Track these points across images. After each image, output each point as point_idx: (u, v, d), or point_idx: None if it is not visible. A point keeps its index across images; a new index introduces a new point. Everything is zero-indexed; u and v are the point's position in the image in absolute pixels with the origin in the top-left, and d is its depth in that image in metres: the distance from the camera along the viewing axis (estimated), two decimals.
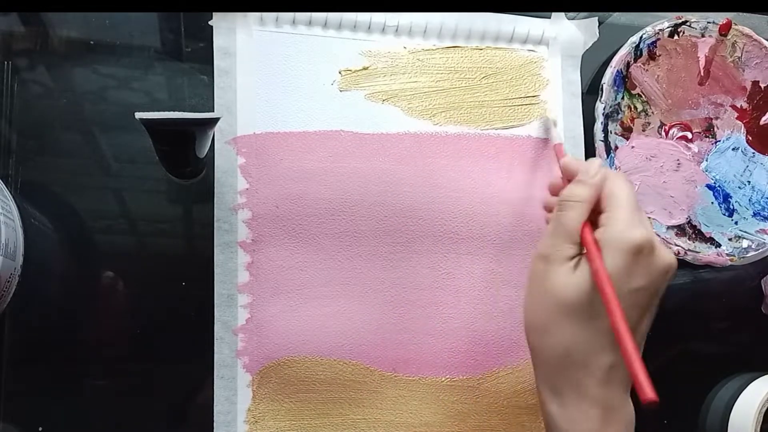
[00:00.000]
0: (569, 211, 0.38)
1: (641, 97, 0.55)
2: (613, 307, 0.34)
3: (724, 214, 0.56)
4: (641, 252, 0.36)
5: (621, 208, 0.37)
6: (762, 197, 0.56)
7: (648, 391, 0.31)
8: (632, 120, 0.55)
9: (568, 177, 0.42)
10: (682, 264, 0.53)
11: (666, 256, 0.37)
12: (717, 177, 0.56)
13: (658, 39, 0.54)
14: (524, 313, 0.38)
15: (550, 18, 0.54)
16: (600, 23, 0.54)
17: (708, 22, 0.55)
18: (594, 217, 0.38)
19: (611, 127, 0.54)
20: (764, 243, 0.54)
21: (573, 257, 0.37)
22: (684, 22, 0.55)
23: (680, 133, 0.56)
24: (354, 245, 0.48)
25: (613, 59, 0.53)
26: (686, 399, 0.54)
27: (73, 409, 0.44)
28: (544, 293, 0.36)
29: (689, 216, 0.55)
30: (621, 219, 0.36)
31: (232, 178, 0.47)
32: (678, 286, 0.56)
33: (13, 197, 0.43)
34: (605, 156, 0.52)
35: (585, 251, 0.37)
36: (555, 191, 0.44)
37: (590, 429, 0.35)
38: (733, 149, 0.57)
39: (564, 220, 0.38)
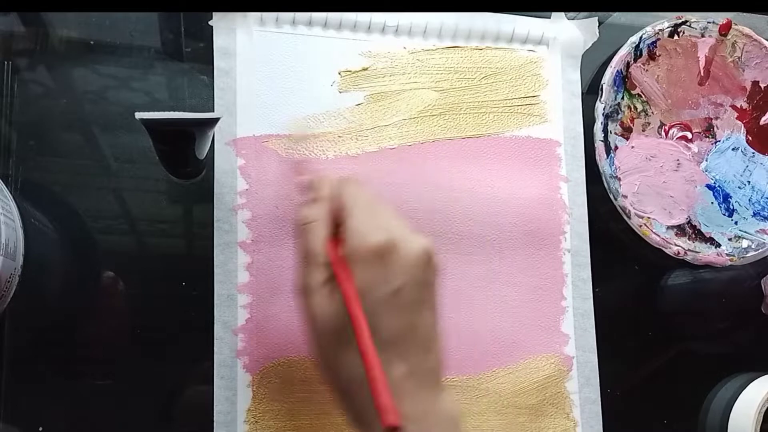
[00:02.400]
0: (310, 234, 0.36)
1: (641, 97, 0.55)
2: (355, 329, 0.32)
3: (724, 214, 0.56)
4: (385, 253, 0.34)
5: (354, 215, 0.35)
6: (762, 197, 0.56)
7: (389, 417, 0.30)
8: (632, 120, 0.55)
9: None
10: (682, 264, 0.53)
11: (413, 246, 0.34)
12: (717, 177, 0.56)
13: (658, 39, 0.54)
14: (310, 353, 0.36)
15: (550, 18, 0.54)
16: (600, 23, 0.54)
17: (708, 22, 0.55)
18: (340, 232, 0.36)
19: (611, 127, 0.54)
20: (764, 243, 0.54)
21: (325, 282, 0.35)
22: (684, 22, 0.55)
23: (680, 133, 0.56)
24: None
25: (613, 59, 0.53)
26: (686, 399, 0.54)
27: (73, 409, 0.44)
28: (311, 326, 0.35)
29: (689, 216, 0.55)
30: (356, 226, 0.35)
31: (232, 179, 0.47)
32: (678, 286, 0.56)
33: (13, 197, 0.43)
34: (605, 156, 0.52)
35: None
36: None
37: None
38: (733, 149, 0.57)
39: (307, 244, 0.36)
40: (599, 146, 0.52)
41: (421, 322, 0.34)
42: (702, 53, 0.56)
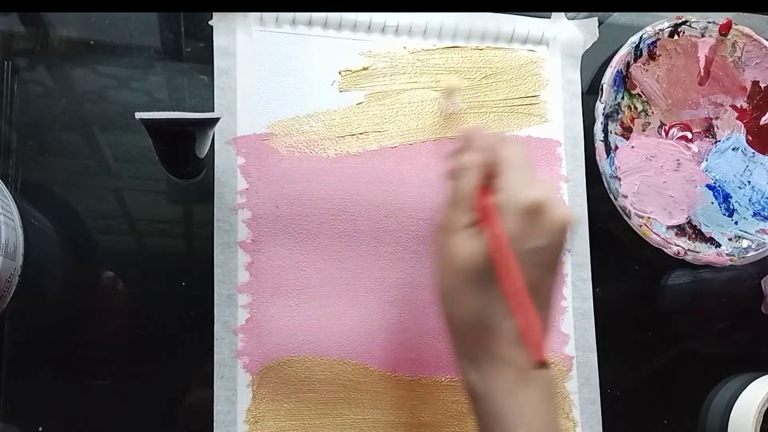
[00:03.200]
0: (461, 179, 0.38)
1: (641, 97, 0.55)
2: (502, 271, 0.34)
3: (724, 214, 0.56)
4: (537, 211, 0.35)
5: (513, 171, 0.37)
6: (762, 197, 0.56)
7: (535, 353, 0.32)
8: (632, 120, 0.55)
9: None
10: (682, 264, 0.53)
11: (562, 213, 0.36)
12: (717, 177, 0.56)
13: (658, 39, 0.54)
14: (434, 286, 0.38)
15: (550, 18, 0.54)
16: (600, 23, 0.54)
17: (708, 22, 0.55)
18: (491, 183, 0.38)
19: (611, 127, 0.54)
20: (764, 243, 0.54)
21: (469, 225, 0.37)
22: (684, 22, 0.55)
23: (680, 133, 0.56)
24: (354, 245, 0.48)
25: (613, 59, 0.53)
26: (686, 399, 0.54)
27: (73, 409, 0.44)
28: (448, 263, 0.36)
29: (689, 216, 0.55)
30: (513, 181, 0.36)
31: (232, 178, 0.47)
32: (678, 286, 0.56)
33: (13, 197, 0.43)
34: (605, 156, 0.52)
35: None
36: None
37: (506, 391, 0.35)
38: (733, 149, 0.57)
39: (458, 188, 0.38)
40: (599, 146, 0.52)
41: (545, 283, 0.37)
42: (702, 53, 0.56)
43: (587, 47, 0.54)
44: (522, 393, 0.35)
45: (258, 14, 0.49)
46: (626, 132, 0.55)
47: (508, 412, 0.35)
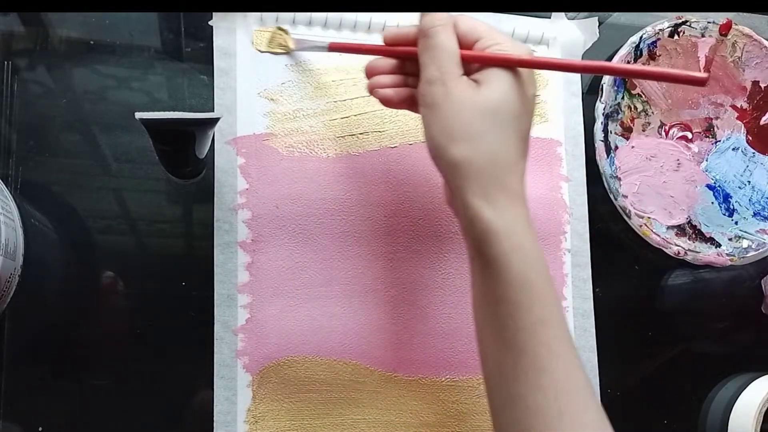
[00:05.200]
0: (440, 36, 0.38)
1: (641, 97, 0.55)
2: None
3: (724, 214, 0.56)
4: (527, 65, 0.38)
5: (495, 31, 0.39)
6: (762, 197, 0.56)
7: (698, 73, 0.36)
8: (632, 120, 0.55)
9: (398, 42, 0.42)
10: (682, 264, 0.53)
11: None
12: (717, 177, 0.56)
13: (658, 39, 0.54)
14: (435, 135, 0.38)
15: (550, 18, 0.54)
16: (600, 23, 0.54)
17: (708, 22, 0.55)
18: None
19: (611, 127, 0.54)
20: (764, 243, 0.54)
21: (461, 75, 0.38)
22: (684, 22, 0.55)
23: (680, 133, 0.56)
24: (354, 245, 0.48)
25: (613, 59, 0.53)
26: (686, 399, 0.54)
27: (73, 409, 0.44)
28: (459, 107, 0.37)
29: (689, 216, 0.55)
30: (504, 38, 0.38)
31: (232, 178, 0.47)
32: (678, 286, 0.56)
33: (13, 197, 0.43)
34: (605, 156, 0.52)
35: (477, 67, 0.38)
36: (376, 71, 0.43)
37: (524, 223, 0.37)
38: (733, 149, 0.57)
39: (440, 43, 0.38)
40: (599, 146, 0.52)
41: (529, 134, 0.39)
42: (702, 53, 0.56)
43: (587, 47, 0.54)
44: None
45: (258, 14, 0.49)
46: (626, 132, 0.55)
47: (532, 245, 0.36)
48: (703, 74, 0.36)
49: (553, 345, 0.35)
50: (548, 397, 0.34)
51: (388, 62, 0.42)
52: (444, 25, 0.38)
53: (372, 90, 0.43)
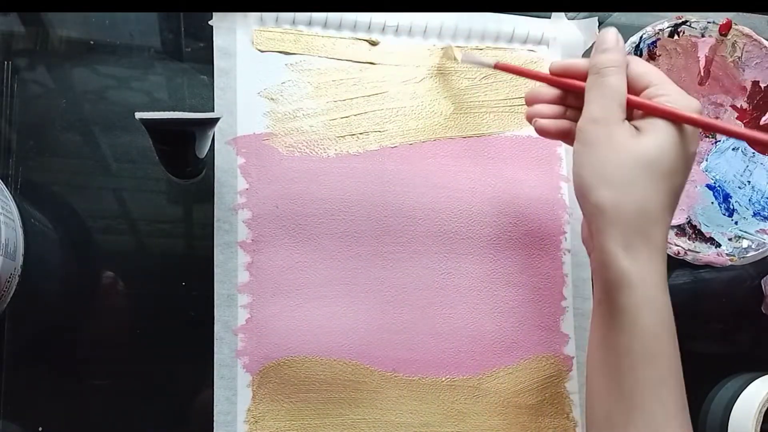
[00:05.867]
0: (612, 76, 0.38)
1: None
2: (712, 124, 0.38)
3: (724, 214, 0.56)
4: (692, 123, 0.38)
5: (667, 81, 0.38)
6: (762, 197, 0.56)
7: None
8: None
9: (571, 75, 0.41)
10: (682, 264, 0.53)
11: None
12: (717, 177, 0.56)
13: (658, 39, 0.54)
14: (585, 174, 0.37)
15: (550, 18, 0.54)
16: (600, 23, 0.54)
17: (708, 22, 0.55)
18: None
19: None
20: (764, 243, 0.54)
21: (623, 119, 0.38)
22: (684, 22, 0.55)
23: None
24: (354, 245, 0.48)
25: None
26: (686, 399, 0.54)
27: (73, 409, 0.44)
28: (617, 152, 0.37)
29: (689, 216, 0.55)
30: (675, 90, 0.38)
31: (232, 178, 0.47)
32: (678, 286, 0.56)
33: (13, 197, 0.43)
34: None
35: (640, 113, 0.38)
36: (537, 100, 0.43)
37: (660, 278, 0.37)
38: (733, 149, 0.57)
39: (610, 84, 0.38)
40: None
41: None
42: (702, 53, 0.56)
43: (587, 47, 0.54)
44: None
45: (258, 14, 0.49)
46: None
47: (665, 301, 0.37)
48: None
49: (669, 407, 0.35)
50: None
51: (551, 92, 0.42)
52: (618, 66, 0.38)
53: (530, 118, 0.43)
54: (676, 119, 0.37)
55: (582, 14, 0.54)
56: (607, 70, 0.38)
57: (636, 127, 0.38)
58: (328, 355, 0.46)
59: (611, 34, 0.40)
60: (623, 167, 0.36)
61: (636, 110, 0.38)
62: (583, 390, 0.50)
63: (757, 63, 0.56)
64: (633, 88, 0.39)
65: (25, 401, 0.43)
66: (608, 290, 0.37)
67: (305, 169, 0.48)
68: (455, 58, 0.50)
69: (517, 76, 0.52)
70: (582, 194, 0.38)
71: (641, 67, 0.39)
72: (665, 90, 0.38)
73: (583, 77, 0.40)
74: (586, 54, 0.54)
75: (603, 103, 0.38)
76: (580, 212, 0.52)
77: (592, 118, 0.38)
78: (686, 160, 0.38)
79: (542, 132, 0.42)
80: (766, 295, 0.56)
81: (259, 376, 0.45)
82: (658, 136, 0.37)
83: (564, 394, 0.50)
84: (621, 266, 0.36)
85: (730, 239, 0.54)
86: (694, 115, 0.37)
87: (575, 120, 0.40)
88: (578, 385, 0.50)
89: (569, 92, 0.42)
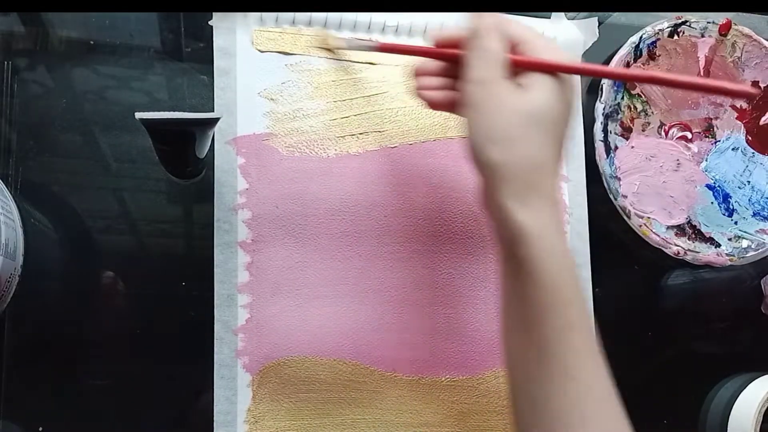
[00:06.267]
0: (487, 38, 0.38)
1: (641, 97, 0.55)
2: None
3: (724, 214, 0.56)
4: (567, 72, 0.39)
5: (538, 37, 0.39)
6: (762, 197, 0.56)
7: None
8: (632, 120, 0.55)
9: (447, 44, 0.42)
10: (682, 264, 0.53)
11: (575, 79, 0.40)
12: (717, 177, 0.56)
13: (658, 39, 0.54)
14: (474, 135, 0.38)
15: (550, 18, 0.54)
16: (600, 23, 0.54)
17: (708, 22, 0.55)
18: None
19: (611, 127, 0.54)
20: (764, 243, 0.54)
21: (504, 78, 0.38)
22: (684, 22, 0.55)
23: (680, 133, 0.56)
24: (354, 245, 0.48)
25: (613, 59, 0.53)
26: (686, 399, 0.54)
27: (73, 409, 0.44)
28: (500, 109, 0.37)
29: (689, 216, 0.55)
30: (546, 44, 0.39)
31: (232, 178, 0.47)
32: (678, 286, 0.56)
33: (13, 197, 0.43)
34: (605, 156, 0.52)
35: (519, 71, 0.38)
36: (423, 73, 0.43)
37: (557, 227, 0.37)
38: (732, 149, 0.57)
39: (487, 46, 0.38)
40: (599, 146, 0.52)
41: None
42: (702, 53, 0.56)
43: (587, 47, 0.54)
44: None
45: (258, 14, 0.49)
46: (626, 132, 0.55)
47: (564, 249, 0.37)
48: (753, 89, 0.37)
49: (580, 351, 0.36)
50: (572, 402, 0.35)
51: (436, 64, 0.42)
52: (492, 27, 0.39)
53: (418, 91, 0.43)
54: (553, 69, 0.38)
55: (582, 14, 0.54)
56: (483, 31, 0.39)
57: (518, 84, 0.38)
58: (328, 355, 0.46)
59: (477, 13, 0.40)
60: (508, 123, 0.37)
61: (517, 68, 0.39)
62: None
63: (756, 63, 0.56)
64: (510, 48, 0.39)
65: (25, 401, 0.43)
66: (509, 246, 0.37)
67: (305, 169, 0.48)
68: (334, 47, 0.49)
69: None
70: (473, 156, 0.38)
71: (515, 26, 0.40)
72: (539, 45, 0.39)
73: (461, 46, 0.40)
74: (586, 54, 0.54)
75: (482, 64, 0.38)
76: (580, 212, 0.52)
77: (474, 80, 0.38)
78: (567, 109, 0.38)
79: (431, 104, 0.43)
80: (766, 295, 0.56)
81: (259, 376, 0.45)
82: (538, 89, 0.37)
83: None
84: (518, 220, 0.36)
85: (729, 239, 0.54)
86: (570, 63, 0.38)
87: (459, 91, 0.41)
88: None
89: (454, 63, 0.41)
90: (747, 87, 0.37)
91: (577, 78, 0.38)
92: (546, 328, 0.36)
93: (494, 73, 0.38)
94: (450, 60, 0.42)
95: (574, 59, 0.38)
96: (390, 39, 0.51)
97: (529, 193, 0.36)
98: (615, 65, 0.53)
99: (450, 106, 0.42)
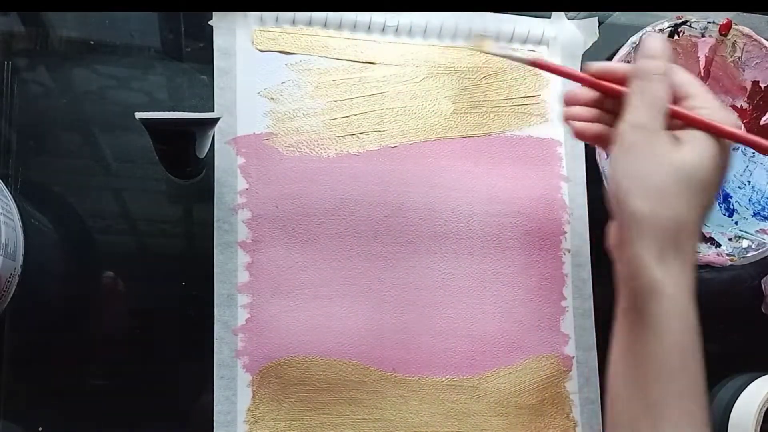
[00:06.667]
0: (656, 83, 0.38)
1: None
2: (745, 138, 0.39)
3: (724, 214, 0.56)
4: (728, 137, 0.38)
5: (707, 93, 0.39)
6: (762, 197, 0.56)
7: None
8: None
9: (608, 78, 0.41)
10: None
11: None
12: None
13: None
14: (623, 179, 0.37)
15: (550, 18, 0.54)
16: (600, 23, 0.54)
17: (708, 22, 0.55)
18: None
19: None
20: (764, 243, 0.54)
21: (662, 128, 0.37)
22: (684, 22, 0.55)
23: None
24: (354, 245, 0.48)
25: (613, 59, 0.53)
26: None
27: (73, 409, 0.44)
28: (656, 160, 0.37)
29: None
30: (715, 103, 0.38)
31: (232, 178, 0.47)
32: None
33: (13, 197, 0.43)
34: (605, 156, 0.52)
35: (679, 124, 0.38)
36: (574, 101, 0.43)
37: (690, 291, 0.37)
38: (732, 149, 0.57)
39: (654, 91, 0.38)
40: None
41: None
42: (702, 53, 0.56)
43: (587, 47, 0.54)
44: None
45: (258, 14, 0.49)
46: None
47: (694, 314, 0.37)
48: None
49: (697, 419, 0.36)
50: None
51: (589, 95, 0.42)
52: (663, 74, 0.38)
53: (567, 119, 0.43)
54: (716, 133, 0.37)
55: (582, 14, 0.54)
56: (652, 76, 0.38)
57: (675, 137, 0.37)
58: (328, 355, 0.46)
59: (658, 41, 0.39)
60: (662, 177, 0.36)
61: (674, 121, 0.38)
62: (584, 390, 0.50)
63: (757, 63, 0.56)
64: (673, 98, 0.39)
65: (25, 401, 0.43)
66: (638, 299, 0.37)
67: (305, 169, 0.48)
68: (488, 51, 0.48)
69: (517, 77, 0.52)
70: (618, 200, 0.38)
71: (684, 77, 0.39)
72: (705, 102, 0.38)
73: (621, 81, 0.40)
74: (586, 54, 0.54)
75: (646, 110, 0.38)
76: (580, 212, 0.52)
77: (634, 124, 0.38)
78: (721, 174, 0.38)
79: (579, 135, 0.42)
80: (766, 295, 0.56)
81: (259, 376, 0.45)
82: (697, 148, 0.37)
83: (564, 394, 0.50)
84: (654, 275, 0.36)
85: (730, 239, 0.54)
86: (735, 130, 0.37)
87: (609, 124, 0.40)
88: (578, 385, 0.50)
89: (606, 96, 0.41)
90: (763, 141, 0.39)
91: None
92: (664, 391, 0.35)
93: (655, 121, 0.37)
94: (607, 94, 0.41)
95: (737, 125, 0.38)
96: (390, 39, 0.51)
97: (670, 252, 0.36)
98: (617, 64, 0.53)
99: (596, 139, 0.42)
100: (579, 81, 0.43)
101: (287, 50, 0.49)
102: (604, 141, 0.41)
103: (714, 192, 0.38)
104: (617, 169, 0.38)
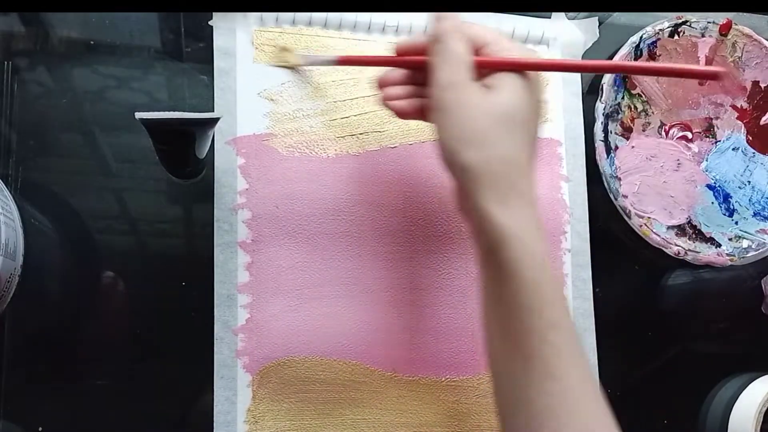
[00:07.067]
0: (452, 41, 0.38)
1: (641, 96, 0.55)
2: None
3: (724, 214, 0.56)
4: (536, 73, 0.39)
5: (502, 37, 0.39)
6: (762, 197, 0.56)
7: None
8: (632, 120, 0.55)
9: (409, 52, 0.42)
10: (682, 264, 0.53)
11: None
12: (717, 177, 0.56)
13: (658, 39, 0.54)
14: (447, 139, 0.38)
15: (550, 18, 0.54)
16: (600, 23, 0.54)
17: (708, 22, 0.55)
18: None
19: (611, 126, 0.54)
20: (764, 243, 0.54)
21: (471, 80, 0.38)
22: (684, 22, 0.55)
23: (680, 133, 0.56)
24: (354, 245, 0.48)
25: (614, 59, 0.53)
26: (686, 399, 0.54)
27: (73, 409, 0.44)
28: (471, 112, 0.37)
29: (689, 216, 0.55)
30: (511, 43, 0.39)
31: (232, 178, 0.47)
32: (678, 286, 0.56)
33: (13, 197, 0.43)
34: (605, 156, 0.52)
35: (487, 72, 0.38)
36: (388, 83, 0.43)
37: (535, 227, 0.37)
38: (733, 149, 0.57)
39: (451, 48, 0.38)
40: (599, 146, 0.52)
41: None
42: (702, 53, 0.56)
43: (587, 47, 0.54)
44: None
45: (258, 14, 0.49)
46: (626, 132, 0.55)
47: (543, 249, 0.37)
48: (720, 68, 0.37)
49: (563, 350, 0.35)
50: (556, 402, 0.35)
51: (400, 73, 0.42)
52: (454, 30, 0.39)
53: (384, 102, 0.43)
54: (519, 68, 0.38)
55: (582, 14, 0.54)
56: (447, 35, 0.38)
57: (485, 86, 0.38)
58: (328, 355, 0.46)
59: (440, 15, 0.40)
60: (480, 126, 0.37)
61: (483, 70, 0.39)
62: None
63: (757, 63, 0.56)
64: (474, 50, 0.39)
65: (25, 401, 0.43)
66: (488, 249, 0.37)
67: (305, 169, 0.48)
68: (294, 65, 0.48)
69: None
70: (447, 160, 0.38)
71: (477, 28, 0.40)
72: (503, 45, 0.39)
73: (424, 52, 0.40)
74: (586, 54, 0.54)
75: (450, 67, 0.38)
76: (580, 212, 0.52)
77: (441, 84, 0.38)
78: (536, 108, 0.39)
79: (400, 113, 0.42)
80: (766, 295, 0.56)
81: (259, 376, 0.45)
82: (507, 88, 0.38)
83: None
84: (498, 223, 0.36)
85: (730, 239, 0.54)
86: (535, 59, 0.38)
87: (426, 96, 0.40)
88: None
89: (418, 70, 0.41)
90: (716, 68, 0.38)
91: (543, 74, 0.38)
92: (527, 329, 0.36)
93: (461, 76, 0.38)
94: (414, 67, 0.42)
95: (536, 55, 0.38)
96: (390, 39, 0.51)
97: (507, 194, 0.36)
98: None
99: (419, 114, 0.42)
100: (385, 64, 0.43)
101: (281, 65, 0.49)
102: (427, 114, 0.41)
103: (535, 126, 0.39)
104: (440, 132, 0.38)
